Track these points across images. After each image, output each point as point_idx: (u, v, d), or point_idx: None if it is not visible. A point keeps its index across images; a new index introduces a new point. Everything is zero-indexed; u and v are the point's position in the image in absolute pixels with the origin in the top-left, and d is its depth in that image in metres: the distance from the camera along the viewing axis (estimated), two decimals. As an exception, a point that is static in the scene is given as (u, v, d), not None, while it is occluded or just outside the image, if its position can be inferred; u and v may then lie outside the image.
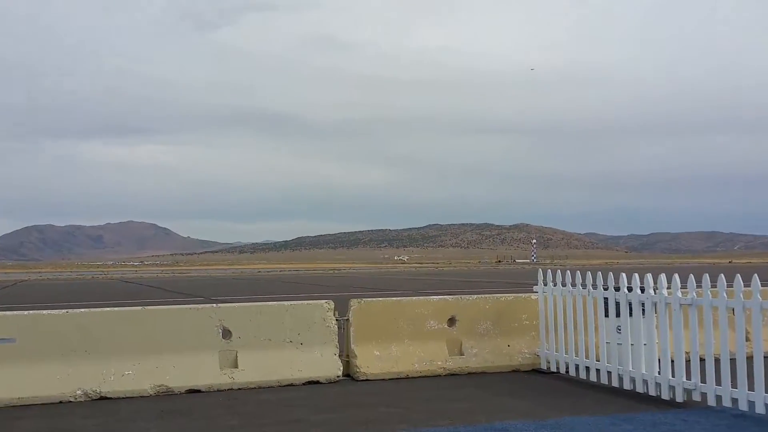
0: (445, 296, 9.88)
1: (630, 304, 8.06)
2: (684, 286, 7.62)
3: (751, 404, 6.79)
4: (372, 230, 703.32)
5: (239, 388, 8.58)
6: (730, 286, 7.75)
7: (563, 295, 9.07)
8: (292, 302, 9.20)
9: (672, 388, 7.61)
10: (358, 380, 9.01)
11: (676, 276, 7.48)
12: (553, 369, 9.33)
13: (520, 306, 9.96)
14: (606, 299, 8.26)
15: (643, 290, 7.90)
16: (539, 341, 9.67)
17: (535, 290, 9.71)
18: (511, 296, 10.05)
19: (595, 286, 8.59)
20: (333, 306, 9.24)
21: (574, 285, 8.99)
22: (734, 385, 7.02)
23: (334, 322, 9.19)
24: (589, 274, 8.78)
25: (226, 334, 8.82)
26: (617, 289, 8.16)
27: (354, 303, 9.39)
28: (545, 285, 9.44)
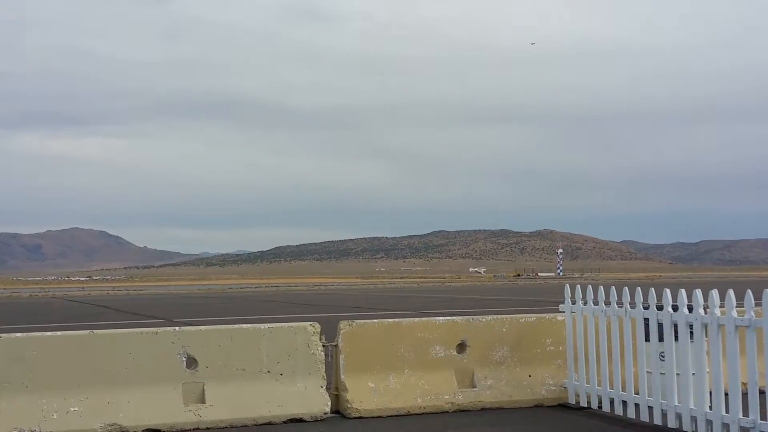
0: (453, 317, 9.96)
1: (675, 326, 8.13)
2: (740, 304, 7.66)
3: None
4: (365, 238, 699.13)
5: (207, 428, 8.65)
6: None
7: (595, 315, 9.19)
8: (271, 325, 9.27)
9: (726, 426, 7.65)
10: (349, 417, 9.11)
11: (731, 292, 7.47)
12: (583, 403, 9.43)
13: (543, 328, 10.08)
14: (647, 320, 8.36)
15: (690, 309, 7.97)
16: (566, 371, 9.78)
17: (561, 309, 9.83)
18: (533, 317, 10.16)
19: (633, 305, 8.68)
20: (319, 329, 9.32)
21: (608, 303, 9.07)
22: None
23: (320, 348, 9.30)
24: (626, 290, 8.84)
25: (191, 363, 8.92)
26: (660, 308, 8.24)
27: (344, 326, 9.48)
28: (573, 303, 9.56)
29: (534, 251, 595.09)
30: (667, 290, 8.09)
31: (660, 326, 8.24)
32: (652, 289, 8.39)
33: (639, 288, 8.93)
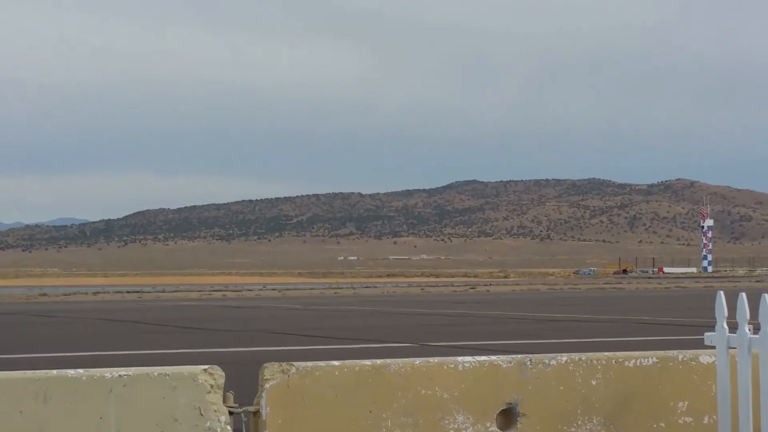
0: (492, 356, 8.79)
1: None
2: None
3: None
4: (319, 196, 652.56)
5: None
6: None
7: None
8: (125, 371, 7.94)
9: None
10: None
11: None
12: None
13: (672, 380, 8.94)
14: None
15: None
16: (719, 465, 8.61)
17: (709, 343, 8.60)
18: (651, 358, 8.95)
19: None
20: (222, 381, 8.01)
21: None
22: None
23: (224, 419, 8.01)
24: None
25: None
26: None
27: (273, 373, 8.22)
28: (735, 331, 8.32)
29: (654, 222, 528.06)
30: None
31: None
32: None
33: None
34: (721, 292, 8.55)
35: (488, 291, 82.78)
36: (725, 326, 8.38)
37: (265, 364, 8.15)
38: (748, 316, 8.26)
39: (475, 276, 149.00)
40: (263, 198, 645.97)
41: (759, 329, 8.20)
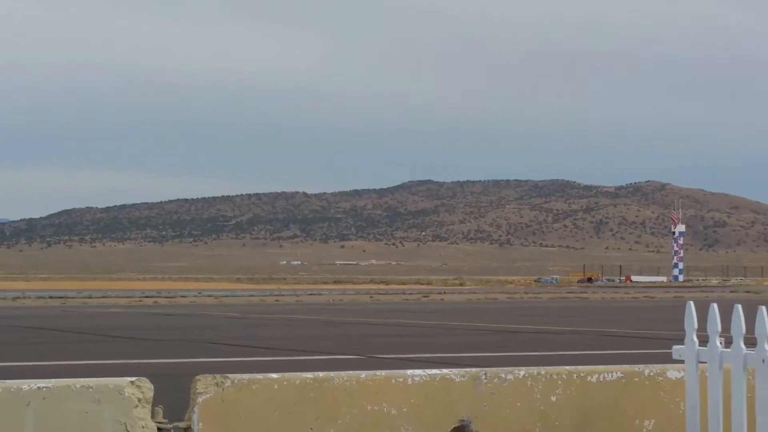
0: (444, 370, 8.86)
1: None
2: None
3: None
4: (260, 196, 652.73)
5: None
6: None
7: (751, 368, 8.16)
8: (45, 383, 7.98)
9: None
10: None
11: None
12: None
13: (637, 396, 9.04)
14: None
15: None
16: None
17: (677, 357, 8.67)
18: (615, 373, 9.06)
19: None
20: (150, 394, 8.09)
21: None
22: None
23: None
24: None
25: None
26: None
27: (206, 386, 8.25)
28: (705, 344, 8.42)
29: (622, 228, 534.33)
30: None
31: None
32: None
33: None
34: (691, 303, 8.59)
35: (442, 300, 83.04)
36: (695, 339, 8.39)
37: (197, 377, 8.11)
38: (719, 329, 8.24)
39: (428, 283, 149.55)
40: (200, 197, 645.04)
41: (731, 342, 8.22)
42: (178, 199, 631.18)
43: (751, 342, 8.35)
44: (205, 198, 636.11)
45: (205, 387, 8.09)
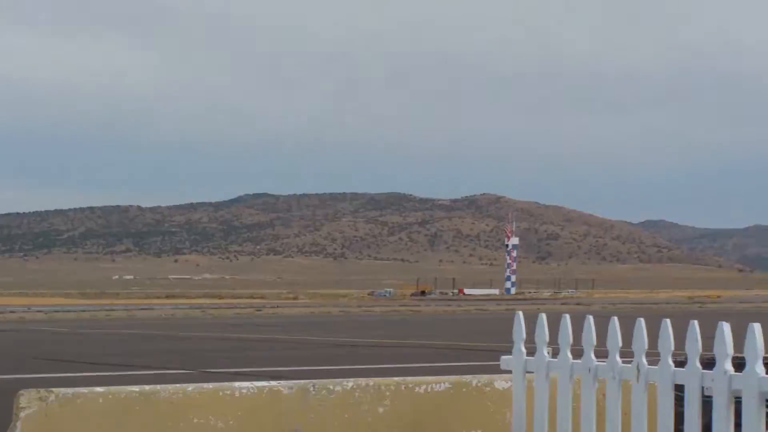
0: (273, 382, 9.01)
1: (736, 400, 7.28)
2: None
3: None
4: (91, 209, 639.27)
5: None
6: None
7: (576, 377, 8.34)
8: None
9: None
10: None
11: None
12: None
13: (466, 405, 9.09)
14: (682, 391, 7.65)
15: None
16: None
17: (505, 367, 8.93)
18: (444, 383, 9.11)
19: (664, 361, 7.67)
20: None
21: (605, 356, 8.21)
22: None
23: None
24: (640, 324, 7.90)
25: None
26: (710, 363, 7.43)
27: (30, 400, 8.17)
28: (533, 355, 8.64)
29: (457, 241, 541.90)
30: (724, 326, 7.30)
31: (705, 403, 7.53)
32: (694, 324, 7.48)
33: (666, 322, 7.57)
34: (520, 313, 8.76)
35: (275, 313, 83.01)
36: (523, 349, 8.59)
37: (20, 392, 8.01)
38: (547, 339, 8.48)
39: (261, 297, 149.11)
40: (31, 210, 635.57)
41: (558, 352, 8.41)
42: (9, 213, 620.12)
43: (578, 354, 8.44)
44: (37, 212, 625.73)
45: (28, 402, 7.99)
